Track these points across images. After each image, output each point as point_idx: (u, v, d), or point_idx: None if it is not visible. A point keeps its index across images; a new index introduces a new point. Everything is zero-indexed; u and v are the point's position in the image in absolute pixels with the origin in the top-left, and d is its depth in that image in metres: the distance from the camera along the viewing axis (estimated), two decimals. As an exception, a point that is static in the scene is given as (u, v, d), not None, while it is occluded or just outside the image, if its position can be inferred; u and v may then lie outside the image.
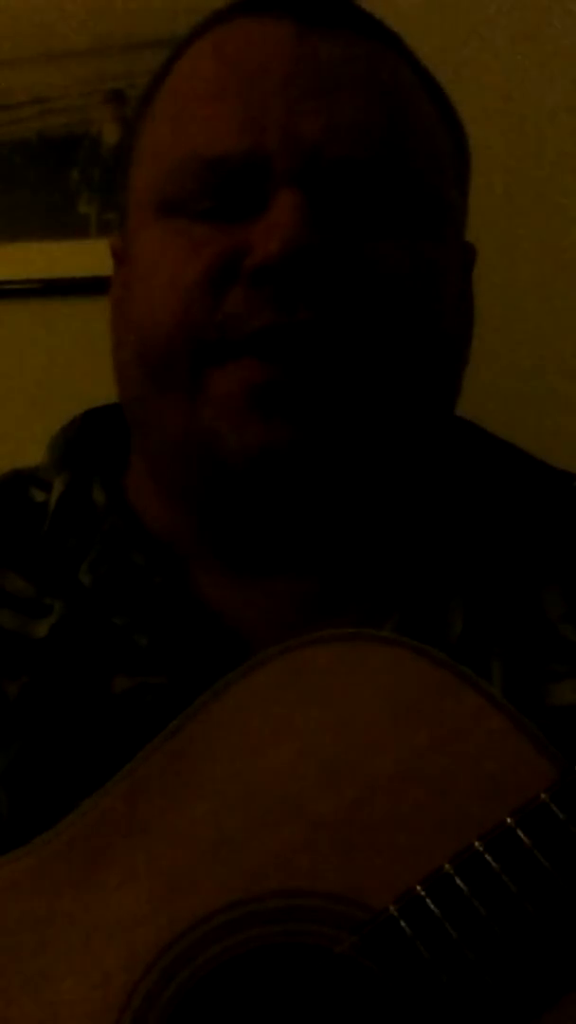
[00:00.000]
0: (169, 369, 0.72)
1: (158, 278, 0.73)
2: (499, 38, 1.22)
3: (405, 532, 0.77)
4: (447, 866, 0.60)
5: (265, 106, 0.71)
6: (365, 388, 0.71)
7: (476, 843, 0.60)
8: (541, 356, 1.21)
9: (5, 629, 0.76)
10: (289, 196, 0.70)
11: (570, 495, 0.81)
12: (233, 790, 0.64)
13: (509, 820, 0.60)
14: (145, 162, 0.77)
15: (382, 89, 0.74)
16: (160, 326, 0.72)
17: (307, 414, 0.70)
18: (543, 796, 0.59)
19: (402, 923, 0.59)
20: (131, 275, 0.77)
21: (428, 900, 0.59)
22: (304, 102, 0.71)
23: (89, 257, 1.36)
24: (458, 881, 0.59)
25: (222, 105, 0.72)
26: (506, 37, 1.22)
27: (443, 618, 0.74)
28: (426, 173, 0.74)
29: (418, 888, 0.60)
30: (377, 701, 0.64)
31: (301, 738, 0.64)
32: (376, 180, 0.72)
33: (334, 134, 0.71)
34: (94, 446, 0.82)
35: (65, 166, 1.39)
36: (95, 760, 0.67)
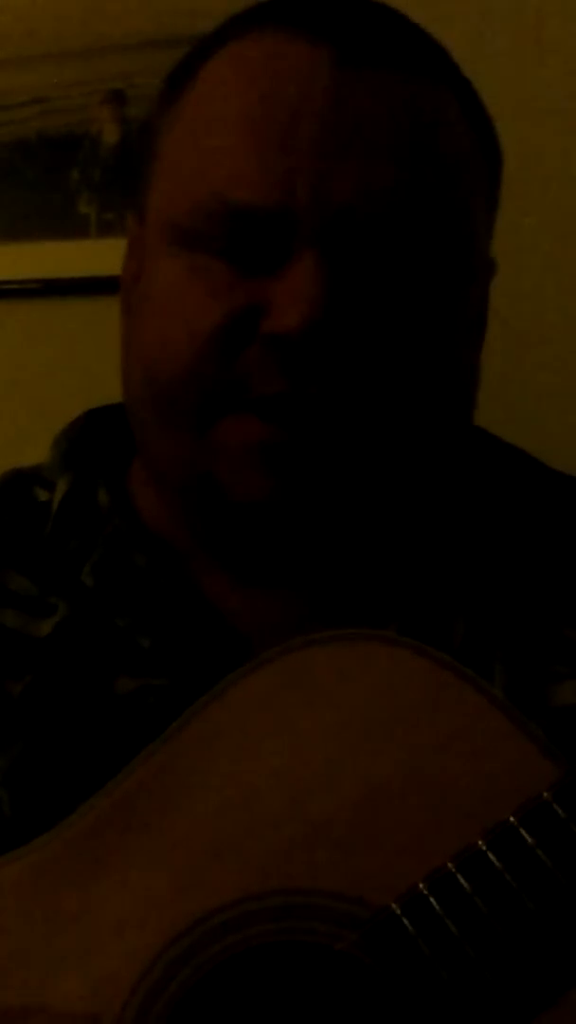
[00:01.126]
0: (176, 410, 0.72)
1: (171, 318, 0.72)
2: (500, 39, 1.22)
3: (408, 537, 0.77)
4: (450, 864, 0.60)
5: (297, 158, 0.69)
6: (371, 451, 0.71)
7: (479, 842, 0.60)
8: (542, 356, 1.21)
9: (8, 628, 0.76)
10: (313, 261, 0.68)
11: (573, 498, 0.81)
12: (234, 789, 0.64)
13: (512, 819, 0.60)
14: (166, 183, 0.75)
15: (421, 141, 0.71)
16: (171, 370, 0.72)
17: (311, 475, 0.70)
18: (545, 795, 0.59)
19: (404, 920, 0.60)
20: (145, 298, 0.75)
21: (431, 898, 0.60)
22: (338, 158, 0.69)
23: (89, 257, 1.36)
24: (460, 879, 0.60)
25: (251, 149, 0.70)
26: (507, 36, 1.22)
27: (446, 623, 0.74)
28: (460, 225, 0.73)
29: (421, 886, 0.60)
30: (378, 701, 0.64)
31: (302, 738, 0.64)
32: (405, 240, 0.70)
33: (366, 196, 0.69)
34: (98, 446, 0.82)
35: (65, 166, 1.39)
36: (97, 760, 0.67)
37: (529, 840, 0.59)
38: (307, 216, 0.69)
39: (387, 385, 0.70)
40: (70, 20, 1.38)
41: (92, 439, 0.83)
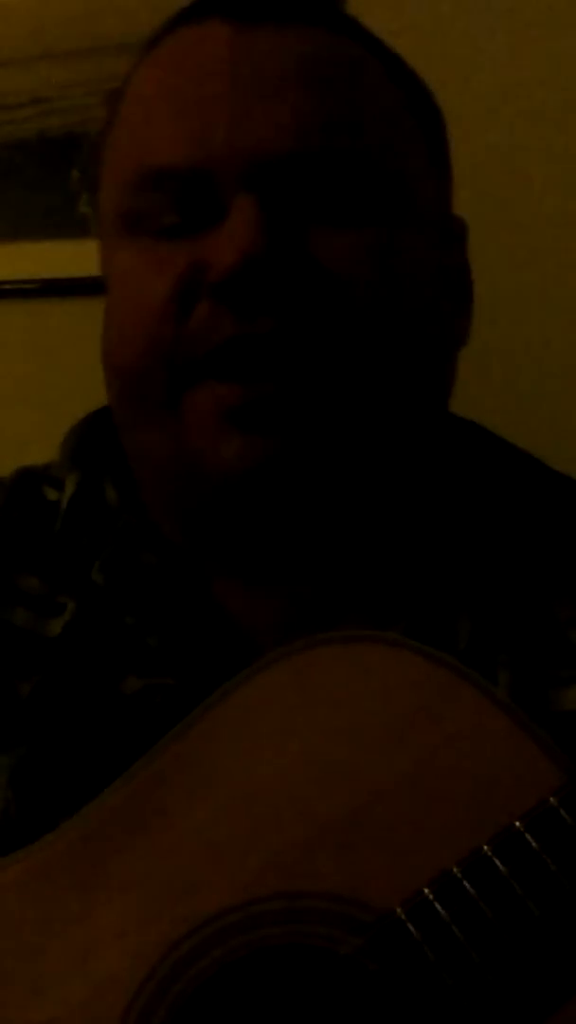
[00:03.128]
0: (145, 395, 0.72)
1: (126, 302, 0.73)
2: (499, 38, 1.22)
3: (412, 539, 0.77)
4: (455, 869, 0.60)
5: (208, 113, 0.71)
6: (337, 391, 0.71)
7: (484, 847, 0.60)
8: (543, 355, 1.21)
9: (19, 627, 0.76)
10: (242, 204, 0.69)
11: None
12: (238, 791, 0.64)
13: (518, 824, 0.60)
14: (108, 176, 0.77)
15: (326, 77, 0.72)
16: (131, 353, 0.72)
17: (282, 426, 0.70)
18: (552, 800, 0.59)
19: (409, 926, 0.60)
20: (109, 296, 0.77)
21: (436, 903, 0.60)
22: (245, 103, 0.70)
23: (89, 257, 1.34)
24: (466, 884, 0.59)
25: (168, 116, 0.72)
26: (506, 36, 1.22)
27: (450, 626, 0.73)
28: (383, 156, 0.73)
29: (426, 891, 0.60)
30: (382, 702, 0.64)
31: (305, 739, 0.64)
32: (327, 171, 0.71)
33: (277, 131, 0.70)
34: (106, 444, 0.82)
35: (65, 166, 1.39)
36: (104, 760, 0.67)
37: (535, 845, 0.59)
38: (227, 162, 0.70)
39: (341, 314, 0.70)
40: (70, 20, 1.38)
41: (100, 437, 0.83)
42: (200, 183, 0.71)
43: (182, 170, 0.71)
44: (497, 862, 0.59)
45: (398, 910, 0.60)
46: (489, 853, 0.59)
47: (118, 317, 0.74)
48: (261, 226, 0.69)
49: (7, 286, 1.42)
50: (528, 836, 0.59)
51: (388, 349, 0.72)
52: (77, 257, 1.37)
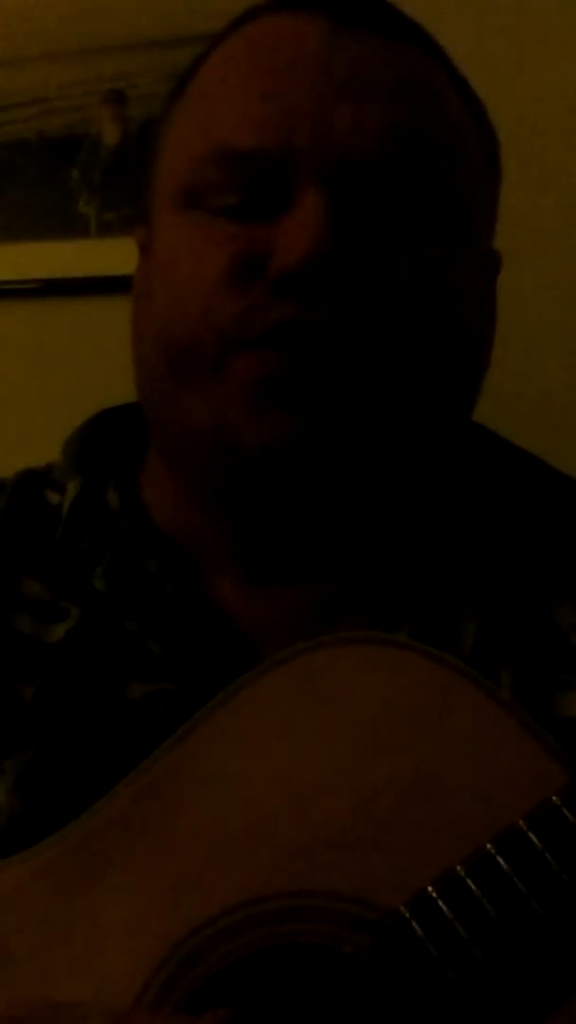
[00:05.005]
0: (191, 357, 0.72)
1: (180, 271, 0.73)
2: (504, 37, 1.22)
3: (418, 541, 0.77)
4: (459, 868, 0.60)
5: (296, 103, 0.71)
6: (378, 387, 0.71)
7: (488, 845, 0.60)
8: (544, 356, 1.21)
9: (21, 633, 0.76)
10: (314, 197, 0.70)
11: None
12: (241, 792, 0.64)
13: (521, 823, 0.60)
14: (171, 153, 0.77)
15: (412, 92, 0.73)
16: (182, 317, 0.72)
17: (320, 407, 0.70)
18: (555, 799, 0.60)
19: (413, 924, 0.60)
20: (153, 267, 0.77)
21: (439, 901, 0.60)
22: (335, 101, 0.71)
23: (89, 257, 1.36)
24: (469, 883, 0.60)
25: (253, 99, 0.72)
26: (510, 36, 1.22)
27: (455, 629, 0.73)
28: (454, 176, 0.74)
29: (429, 889, 0.60)
30: (385, 703, 0.64)
31: (309, 740, 0.64)
32: (402, 182, 0.72)
33: (363, 135, 0.71)
34: (108, 447, 0.82)
35: (65, 166, 1.39)
36: (108, 766, 0.67)
37: (538, 844, 0.59)
38: (307, 155, 0.70)
39: (394, 318, 0.71)
40: (70, 20, 1.37)
41: (103, 440, 0.83)
42: (274, 170, 0.71)
43: (261, 153, 0.71)
44: (500, 860, 0.60)
45: (402, 908, 0.60)
46: (492, 851, 0.60)
47: (169, 287, 0.74)
48: (330, 222, 0.69)
49: (7, 286, 1.41)
50: (531, 835, 0.59)
51: (430, 359, 0.73)
52: (77, 257, 1.37)
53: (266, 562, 0.76)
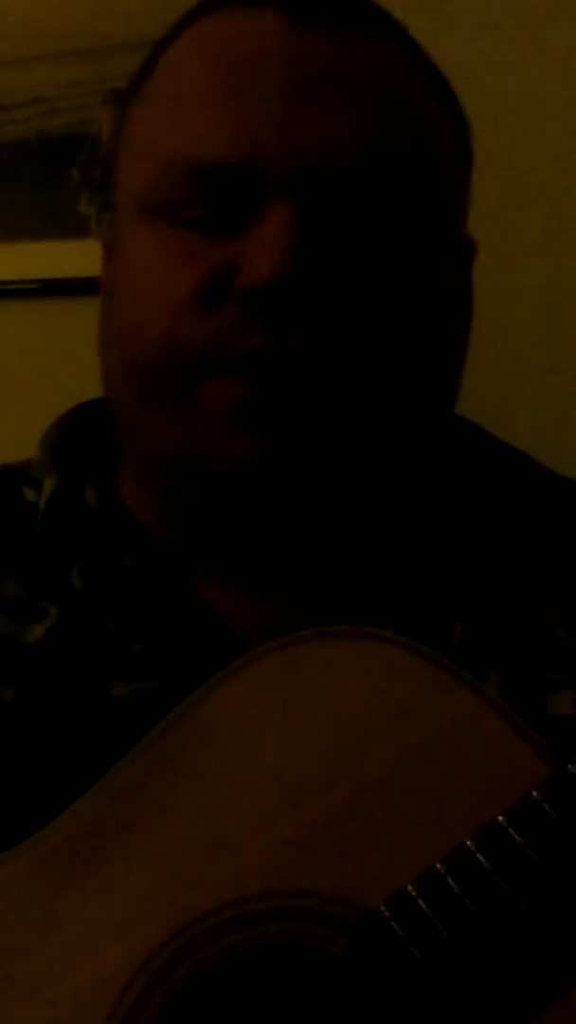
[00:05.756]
0: (157, 382, 0.71)
1: (146, 288, 0.71)
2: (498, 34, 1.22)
3: (404, 539, 0.76)
4: (439, 866, 0.59)
5: (261, 110, 0.69)
6: (354, 406, 0.70)
7: (468, 842, 0.59)
8: (540, 352, 1.21)
9: None
10: (282, 212, 0.68)
11: (572, 502, 0.80)
12: (226, 789, 0.64)
13: (501, 819, 0.59)
14: (134, 159, 0.75)
15: (383, 93, 0.71)
16: (149, 340, 0.70)
17: (294, 431, 0.69)
18: (535, 794, 0.59)
19: (393, 924, 0.59)
20: (118, 276, 0.75)
21: (420, 900, 0.59)
22: (302, 108, 0.69)
23: (89, 257, 1.34)
24: (450, 881, 0.59)
25: (215, 107, 0.70)
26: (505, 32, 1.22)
27: (441, 628, 0.73)
28: (427, 180, 0.72)
29: (410, 888, 0.59)
30: (371, 699, 0.64)
31: (294, 736, 0.64)
32: (374, 192, 0.70)
33: (332, 146, 0.68)
34: (86, 442, 0.81)
35: (65, 166, 1.39)
36: (92, 766, 0.66)
37: (518, 840, 0.59)
38: (275, 167, 0.68)
39: (368, 337, 0.70)
40: (70, 20, 1.38)
41: (80, 435, 0.82)
42: (240, 182, 0.69)
43: (225, 166, 0.69)
44: (480, 857, 0.59)
45: (382, 908, 0.60)
46: (472, 848, 0.59)
47: (133, 303, 0.72)
48: (299, 239, 0.67)
49: (7, 286, 1.42)
50: (511, 830, 0.59)
51: (410, 370, 0.72)
52: (77, 257, 1.37)
53: (246, 569, 0.75)
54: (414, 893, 0.59)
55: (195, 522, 0.76)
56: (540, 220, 1.21)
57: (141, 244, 0.72)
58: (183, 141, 0.70)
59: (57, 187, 1.39)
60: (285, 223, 0.68)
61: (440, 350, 0.74)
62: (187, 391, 0.70)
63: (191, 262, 0.70)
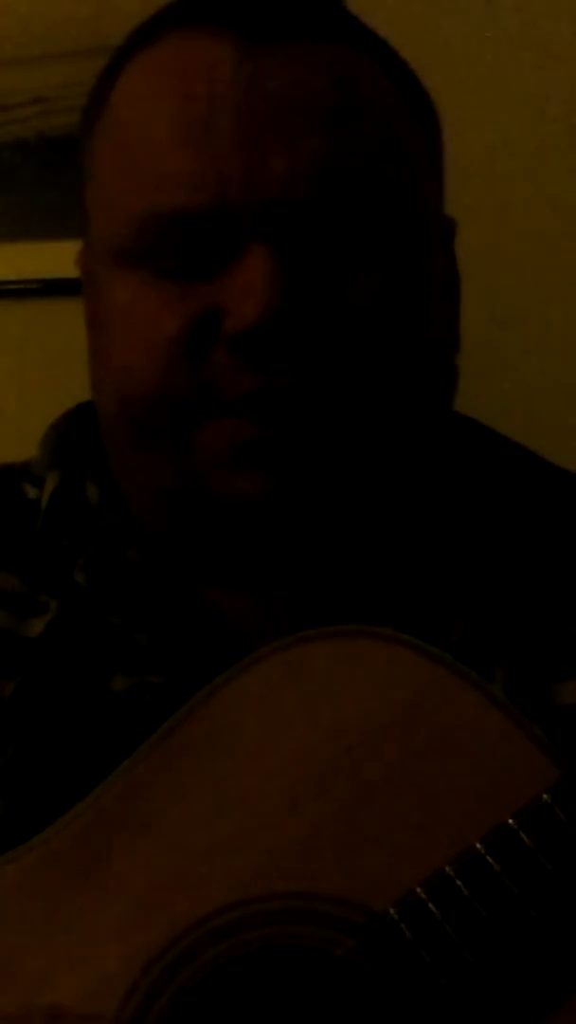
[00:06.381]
0: (151, 429, 0.71)
1: (131, 335, 0.71)
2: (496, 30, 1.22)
3: (406, 538, 0.76)
4: (448, 868, 0.59)
5: (222, 152, 0.68)
6: (354, 431, 0.70)
7: (477, 845, 0.59)
8: (537, 349, 1.21)
9: None
10: (259, 253, 0.68)
11: (571, 493, 0.80)
12: (230, 789, 0.64)
13: (511, 821, 0.59)
14: (101, 204, 0.75)
15: (345, 106, 0.70)
16: (138, 387, 0.71)
17: (299, 464, 0.69)
18: (545, 797, 0.59)
19: (402, 926, 0.59)
20: (103, 317, 0.75)
21: (429, 903, 0.59)
22: (262, 139, 0.68)
23: (89, 257, 1.36)
24: (459, 883, 0.59)
25: (175, 153, 0.69)
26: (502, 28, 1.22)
27: (444, 623, 0.73)
28: (401, 191, 0.72)
29: (419, 890, 0.59)
30: (375, 699, 0.64)
31: (298, 736, 0.64)
32: (347, 218, 0.69)
33: (298, 176, 0.68)
34: (86, 441, 0.81)
35: (65, 166, 1.39)
36: (93, 760, 0.66)
37: (528, 843, 0.59)
38: (244, 209, 0.68)
39: (361, 363, 0.70)
40: (70, 20, 1.37)
41: (81, 434, 0.82)
42: (212, 226, 0.69)
43: (194, 215, 0.68)
44: (490, 860, 0.59)
45: (391, 910, 0.59)
46: (482, 851, 0.59)
47: (120, 346, 0.72)
48: (280, 277, 0.67)
49: (7, 286, 1.41)
50: (522, 834, 0.59)
51: (405, 384, 0.72)
52: (77, 257, 1.37)
53: (246, 577, 0.75)
54: (423, 895, 0.59)
55: (192, 544, 0.76)
56: (540, 220, 1.21)
57: (121, 294, 0.72)
58: (147, 192, 0.70)
59: (57, 187, 1.39)
60: (264, 264, 0.68)
61: (432, 354, 0.74)
62: (183, 437, 0.70)
63: (173, 308, 0.69)
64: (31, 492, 0.81)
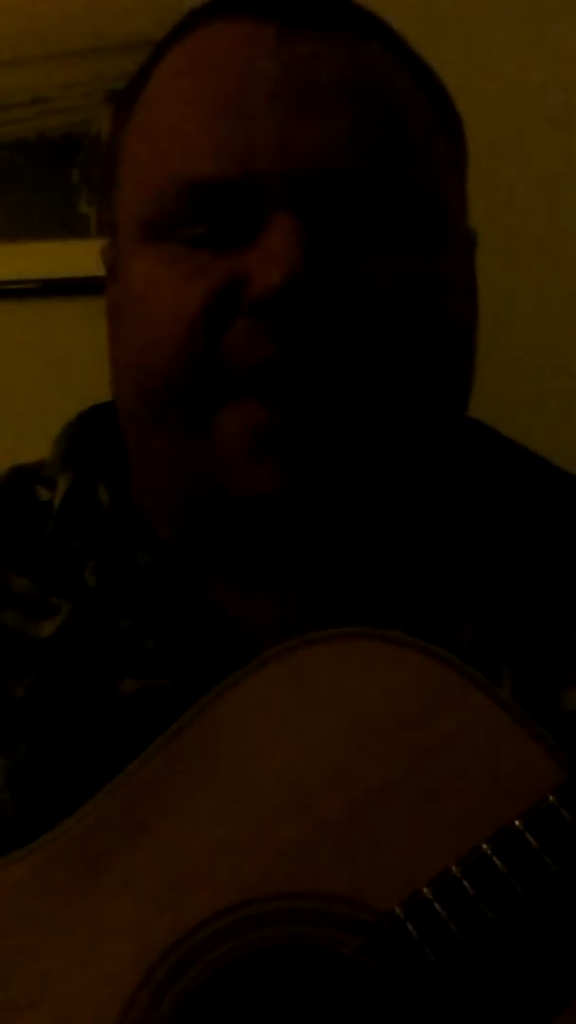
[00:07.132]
0: (171, 405, 0.71)
1: (155, 309, 0.71)
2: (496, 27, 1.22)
3: (415, 540, 0.76)
4: (454, 868, 0.59)
5: (252, 123, 0.69)
6: (372, 418, 0.71)
7: (484, 845, 0.59)
8: (538, 348, 1.21)
9: (9, 629, 0.76)
10: (284, 221, 0.68)
11: None
12: (236, 790, 0.64)
13: (517, 823, 0.59)
14: (130, 180, 0.75)
15: (374, 96, 0.72)
16: (162, 362, 0.71)
17: (314, 456, 0.70)
18: (551, 798, 0.59)
19: (409, 926, 0.59)
20: (125, 298, 0.75)
21: (435, 903, 0.59)
22: (292, 117, 0.69)
23: (89, 257, 1.34)
24: (465, 884, 0.59)
25: (207, 124, 0.70)
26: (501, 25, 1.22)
27: (452, 626, 0.73)
28: (424, 179, 0.73)
29: (425, 891, 0.59)
30: (381, 700, 0.64)
31: (304, 738, 0.64)
32: (372, 193, 0.70)
33: (325, 150, 0.69)
34: (99, 444, 0.81)
35: (65, 166, 1.39)
36: (101, 762, 0.66)
37: (534, 844, 0.59)
38: (271, 179, 0.69)
39: (378, 337, 0.70)
40: (70, 20, 1.37)
41: (93, 436, 0.82)
42: (239, 197, 0.69)
43: (221, 183, 0.69)
44: (497, 861, 0.59)
45: (397, 910, 0.60)
46: (488, 852, 0.59)
47: (143, 323, 0.72)
48: (304, 245, 0.68)
49: (7, 286, 1.41)
50: (528, 834, 0.59)
51: (425, 375, 0.72)
52: (77, 257, 1.37)
53: (257, 574, 0.75)
54: (429, 896, 0.59)
55: (206, 539, 0.76)
56: (541, 218, 1.21)
57: (146, 264, 0.73)
58: (180, 162, 0.71)
59: (57, 187, 1.39)
60: (289, 231, 0.68)
61: (450, 348, 0.74)
62: (204, 414, 0.71)
63: (198, 279, 0.70)
64: (43, 494, 0.81)
